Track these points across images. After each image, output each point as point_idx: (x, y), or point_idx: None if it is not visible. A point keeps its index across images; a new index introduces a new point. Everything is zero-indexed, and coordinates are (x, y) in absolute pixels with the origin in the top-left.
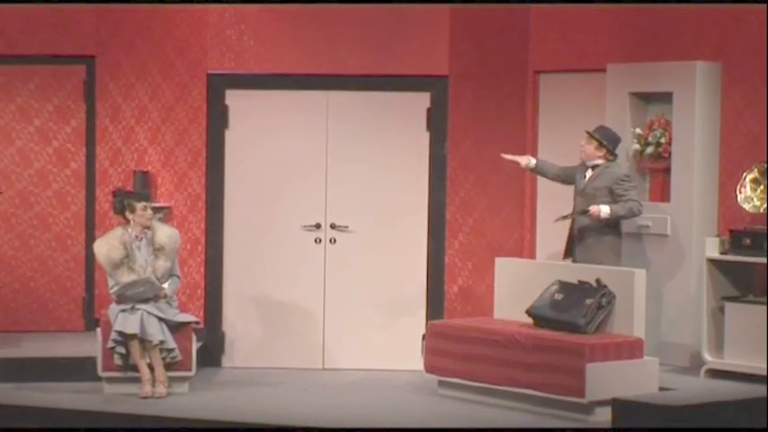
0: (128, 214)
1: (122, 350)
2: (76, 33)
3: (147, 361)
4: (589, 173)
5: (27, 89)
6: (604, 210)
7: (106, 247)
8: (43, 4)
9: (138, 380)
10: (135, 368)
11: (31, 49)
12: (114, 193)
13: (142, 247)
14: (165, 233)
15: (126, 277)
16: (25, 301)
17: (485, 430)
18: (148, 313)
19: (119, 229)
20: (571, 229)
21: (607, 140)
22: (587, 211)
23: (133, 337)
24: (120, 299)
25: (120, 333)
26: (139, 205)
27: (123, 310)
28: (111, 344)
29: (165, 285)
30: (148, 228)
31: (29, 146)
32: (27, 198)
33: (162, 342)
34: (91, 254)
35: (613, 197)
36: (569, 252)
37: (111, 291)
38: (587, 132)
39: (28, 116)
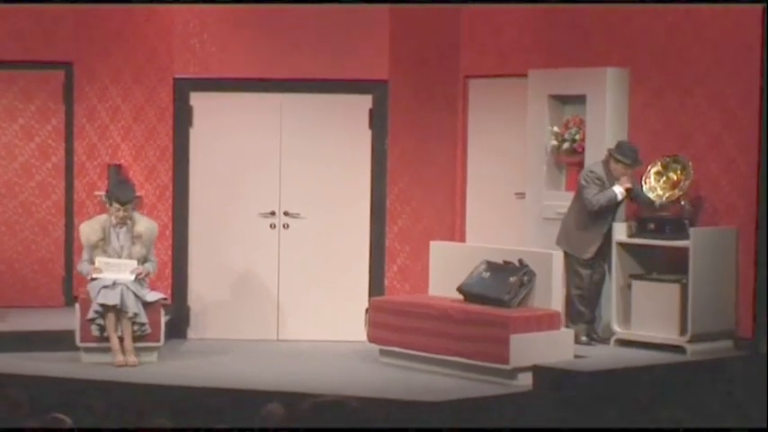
0: (108, 206)
1: (101, 322)
2: (56, 41)
3: (119, 334)
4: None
5: (12, 91)
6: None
7: (88, 230)
8: (25, 3)
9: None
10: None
11: (16, 55)
12: (114, 183)
13: (120, 234)
14: (144, 224)
15: (100, 257)
16: (11, 280)
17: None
18: (127, 288)
19: (104, 215)
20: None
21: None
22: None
23: (112, 308)
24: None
25: (102, 305)
26: (114, 206)
27: (105, 287)
28: (92, 315)
29: (144, 265)
30: (122, 224)
31: (14, 142)
32: (12, 188)
33: (136, 315)
34: (70, 237)
35: None
36: (601, 247)
37: (78, 265)
38: (627, 162)
39: (13, 115)
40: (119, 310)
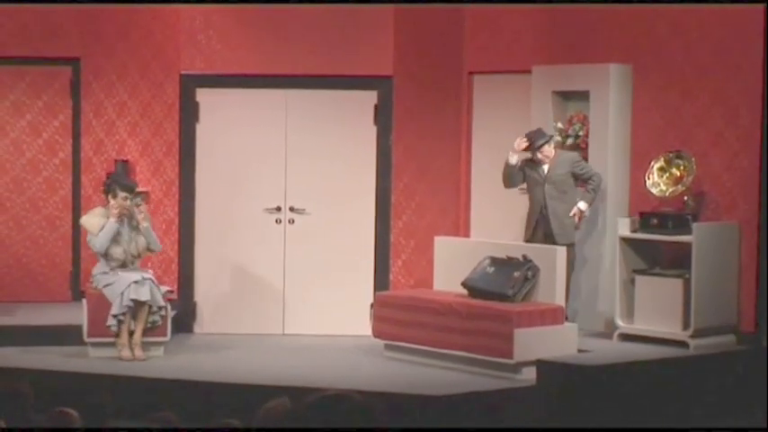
0: (110, 197)
1: (123, 318)
2: (64, 38)
3: (132, 328)
4: (546, 166)
5: (20, 87)
6: (583, 206)
7: (96, 220)
8: (33, 3)
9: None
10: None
11: (24, 51)
12: (108, 175)
13: (124, 224)
14: (142, 215)
15: (113, 247)
16: (18, 275)
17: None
18: (152, 282)
19: (99, 209)
20: (540, 212)
21: (550, 135)
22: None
23: (143, 303)
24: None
25: (134, 300)
26: (121, 194)
27: (136, 282)
28: (123, 309)
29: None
30: (123, 216)
31: (21, 137)
32: (20, 184)
33: (161, 308)
34: (77, 233)
35: (576, 178)
36: (536, 230)
37: (90, 240)
38: (542, 144)
39: (20, 111)
40: (142, 305)
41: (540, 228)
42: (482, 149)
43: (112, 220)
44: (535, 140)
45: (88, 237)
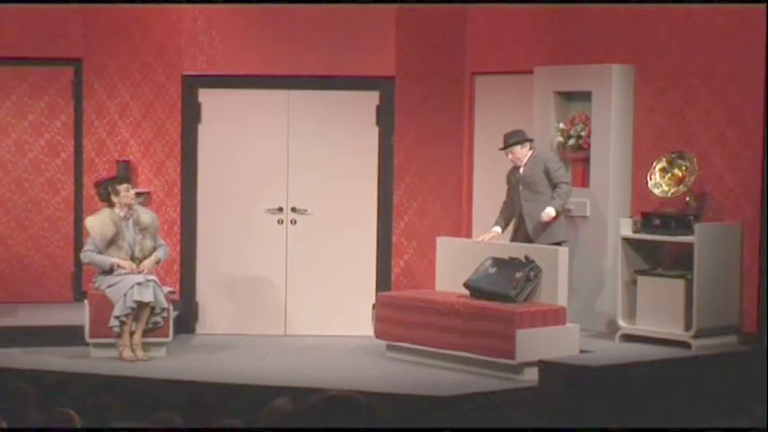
0: (113, 198)
1: (125, 319)
2: (65, 38)
3: (132, 329)
4: (522, 168)
5: (22, 88)
6: (550, 212)
7: (99, 225)
8: (35, 2)
9: None
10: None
11: (26, 51)
12: (96, 184)
13: (129, 227)
14: (148, 215)
15: (115, 253)
16: (21, 275)
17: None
18: (156, 284)
19: (106, 209)
20: (518, 214)
21: (525, 138)
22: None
23: (146, 305)
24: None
25: (138, 302)
26: (122, 187)
27: (139, 283)
28: (126, 311)
29: (153, 256)
30: (131, 207)
31: (23, 138)
32: (22, 184)
33: (163, 310)
34: (79, 232)
35: (548, 178)
36: (517, 231)
37: (84, 256)
38: (511, 144)
39: (22, 112)
40: (145, 306)
41: (519, 229)
42: (484, 150)
43: (113, 260)
44: (507, 140)
45: (87, 240)
